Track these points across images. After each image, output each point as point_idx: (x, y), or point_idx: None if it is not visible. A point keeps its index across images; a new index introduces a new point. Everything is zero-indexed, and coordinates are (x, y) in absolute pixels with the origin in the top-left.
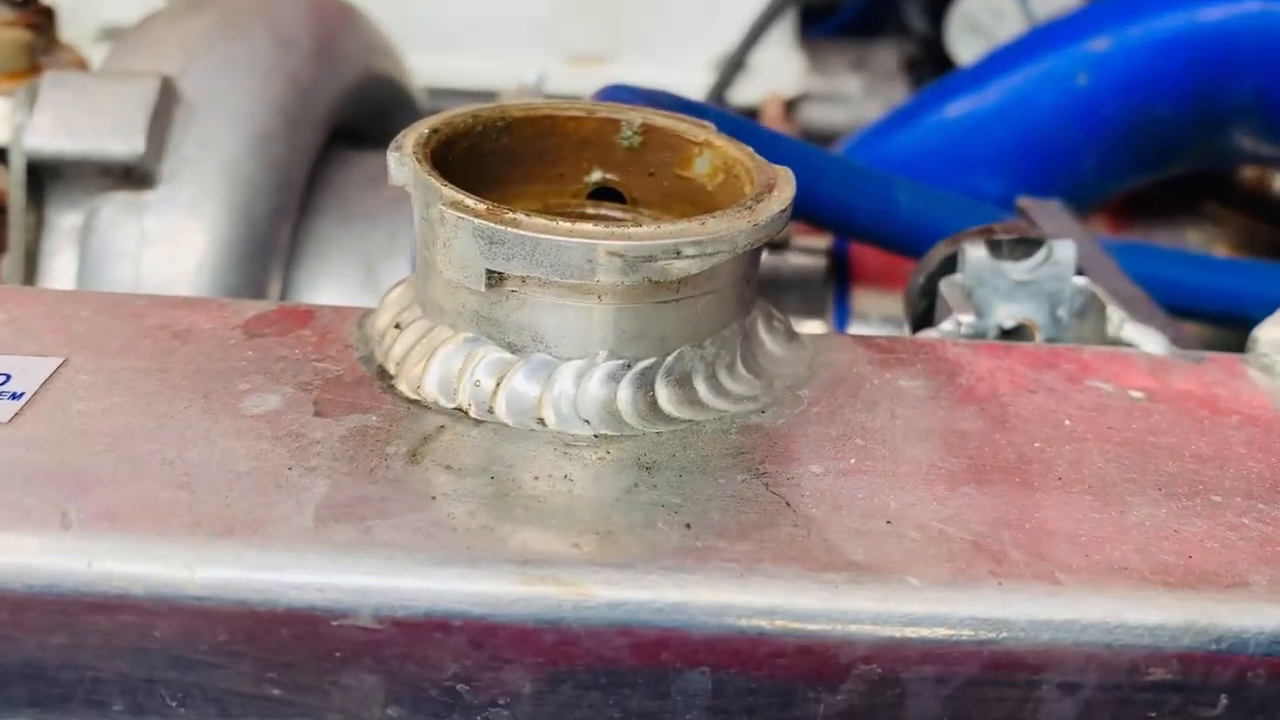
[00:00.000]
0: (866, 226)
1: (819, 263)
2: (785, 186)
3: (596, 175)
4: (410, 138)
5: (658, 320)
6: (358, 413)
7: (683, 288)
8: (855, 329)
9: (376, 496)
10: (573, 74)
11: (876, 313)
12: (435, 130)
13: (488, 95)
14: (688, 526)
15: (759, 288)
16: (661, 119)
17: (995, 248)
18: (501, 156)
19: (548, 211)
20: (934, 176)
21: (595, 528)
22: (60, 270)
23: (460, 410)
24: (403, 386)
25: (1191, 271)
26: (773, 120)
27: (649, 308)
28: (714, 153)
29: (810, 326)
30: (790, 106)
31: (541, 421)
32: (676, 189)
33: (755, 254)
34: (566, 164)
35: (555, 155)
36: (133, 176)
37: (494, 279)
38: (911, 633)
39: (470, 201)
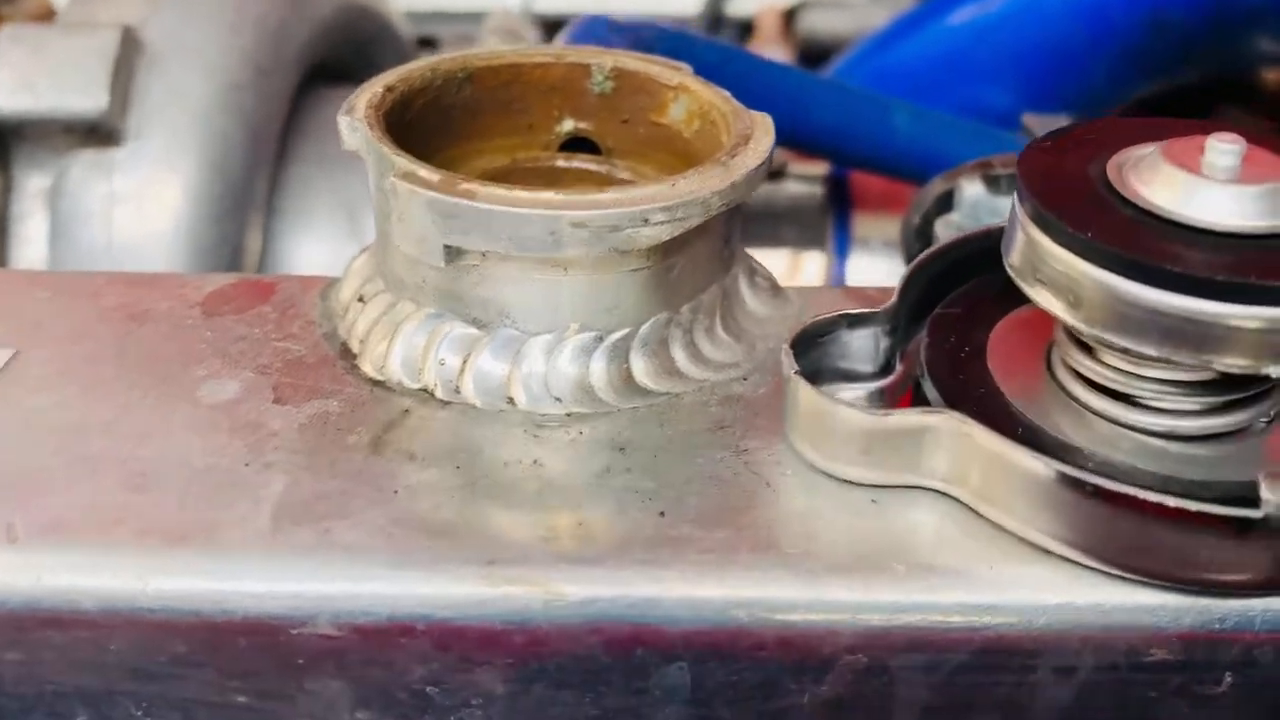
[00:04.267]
0: (864, 153)
1: (817, 190)
2: (763, 137)
3: (568, 125)
4: (363, 98)
5: (630, 289)
6: (318, 398)
7: (654, 254)
8: (856, 256)
9: (336, 492)
10: None
11: (879, 237)
12: (390, 88)
13: (476, 18)
14: (662, 514)
15: (747, 230)
16: (633, 62)
17: (992, 183)
18: (465, 110)
19: (515, 166)
20: (940, 88)
21: (565, 518)
22: (32, 233)
23: (426, 391)
24: (366, 367)
25: None
26: (768, 34)
27: (620, 276)
28: (690, 97)
29: (810, 256)
30: (790, 16)
31: (511, 401)
32: (653, 136)
33: (735, 210)
34: (535, 114)
35: (523, 105)
36: (99, 133)
37: (452, 253)
38: (897, 621)
39: (423, 172)
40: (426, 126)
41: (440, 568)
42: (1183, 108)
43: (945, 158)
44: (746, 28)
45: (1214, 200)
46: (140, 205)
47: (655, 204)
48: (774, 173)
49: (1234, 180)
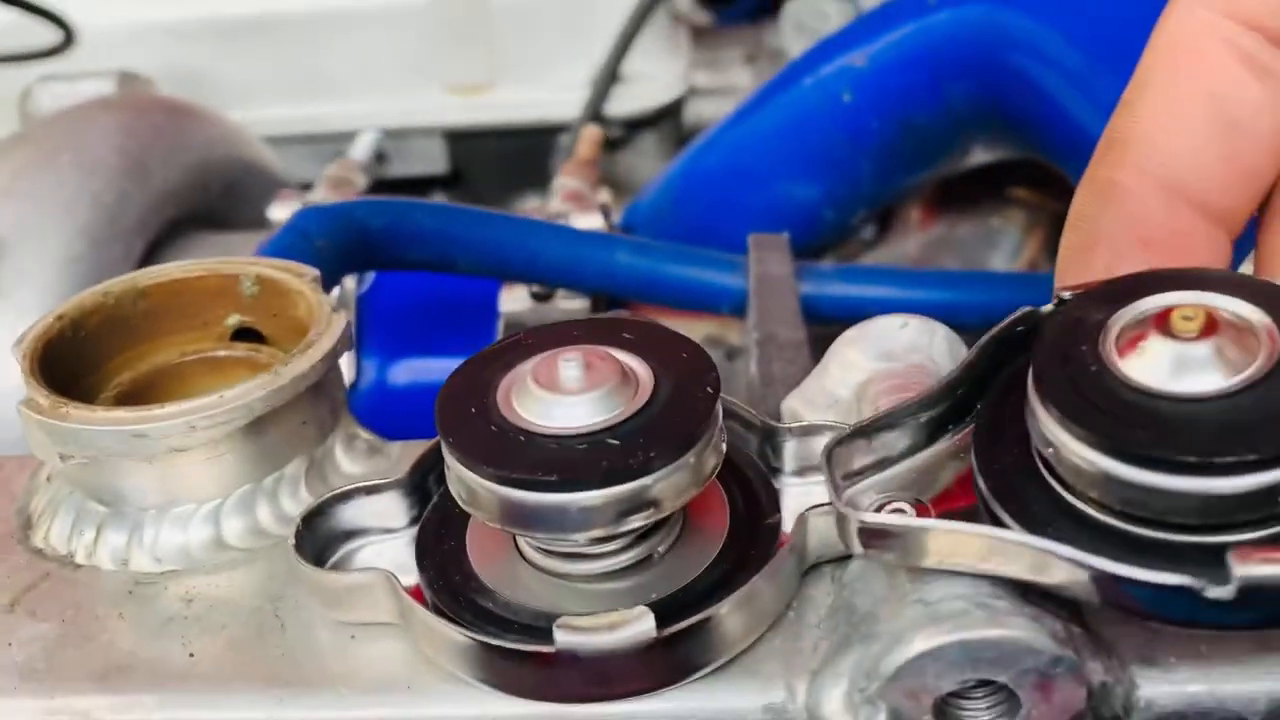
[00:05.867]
0: (595, 286)
1: (584, 303)
2: (325, 340)
3: (234, 319)
4: (36, 329)
5: (214, 468)
6: None
7: (230, 442)
8: None
9: None
10: (459, 104)
11: None
12: (60, 316)
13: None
14: (191, 655)
15: None
16: (271, 270)
17: None
18: (144, 317)
19: (182, 359)
20: (760, 179)
21: (121, 661)
22: None
23: (68, 557)
24: (35, 538)
25: (912, 289)
26: (584, 156)
27: (201, 464)
28: (304, 301)
29: None
30: (677, 106)
31: (126, 563)
32: (294, 326)
33: (314, 396)
34: (205, 314)
35: (195, 308)
36: None
37: (66, 456)
38: None
39: (39, 398)
40: (105, 336)
41: (19, 703)
42: (980, 185)
43: (665, 282)
44: (632, 125)
45: (566, 411)
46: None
47: (203, 413)
48: (544, 296)
49: (579, 390)
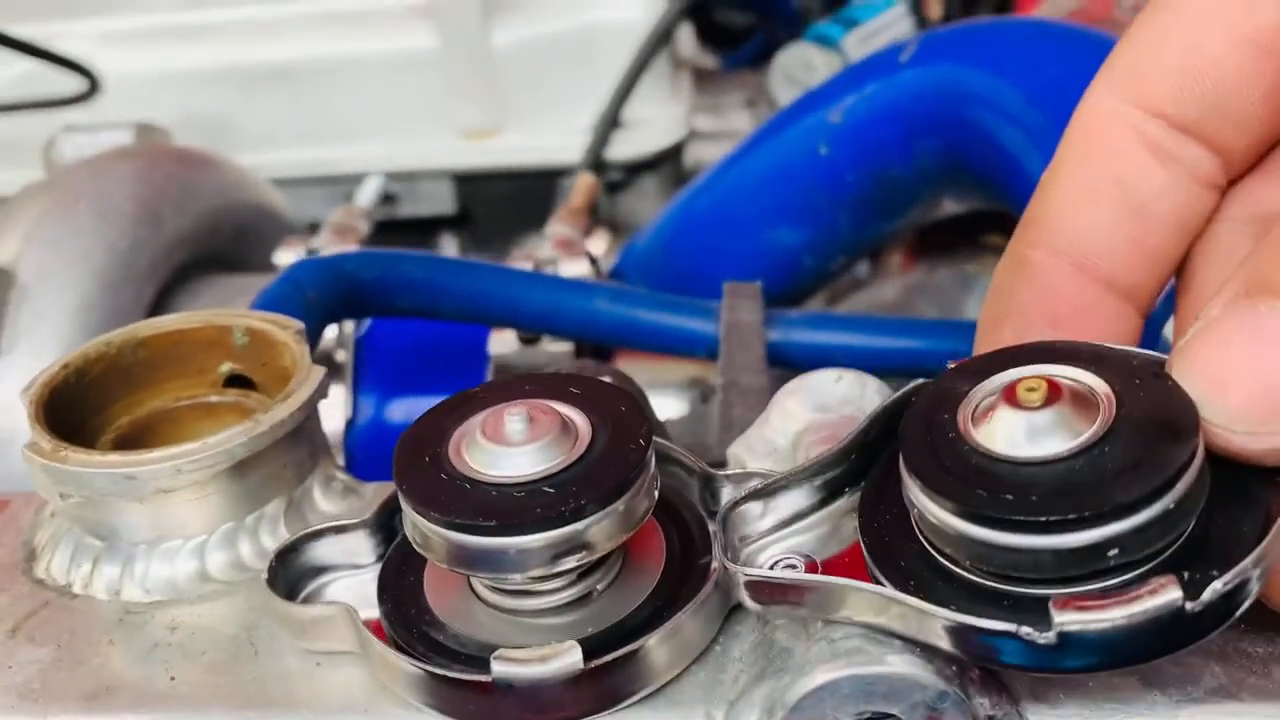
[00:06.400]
0: (574, 332)
1: (568, 347)
2: (304, 390)
3: (226, 367)
4: (43, 377)
5: (201, 507)
6: None
7: (215, 483)
8: None
9: None
10: (468, 148)
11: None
12: (66, 365)
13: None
14: (172, 679)
15: None
16: (260, 323)
17: None
18: (141, 366)
19: (177, 404)
20: (746, 225)
21: (109, 683)
22: None
23: (66, 588)
24: (38, 569)
25: (875, 336)
26: (576, 204)
27: (188, 504)
28: (289, 352)
29: None
30: (678, 150)
31: (118, 594)
32: (281, 374)
33: (293, 441)
34: (200, 362)
35: (189, 357)
36: None
37: (65, 495)
38: None
39: (42, 442)
40: (107, 383)
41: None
42: (957, 233)
43: (642, 329)
44: (632, 169)
45: (509, 461)
46: (8, 411)
47: (187, 458)
48: (530, 340)
49: (522, 442)
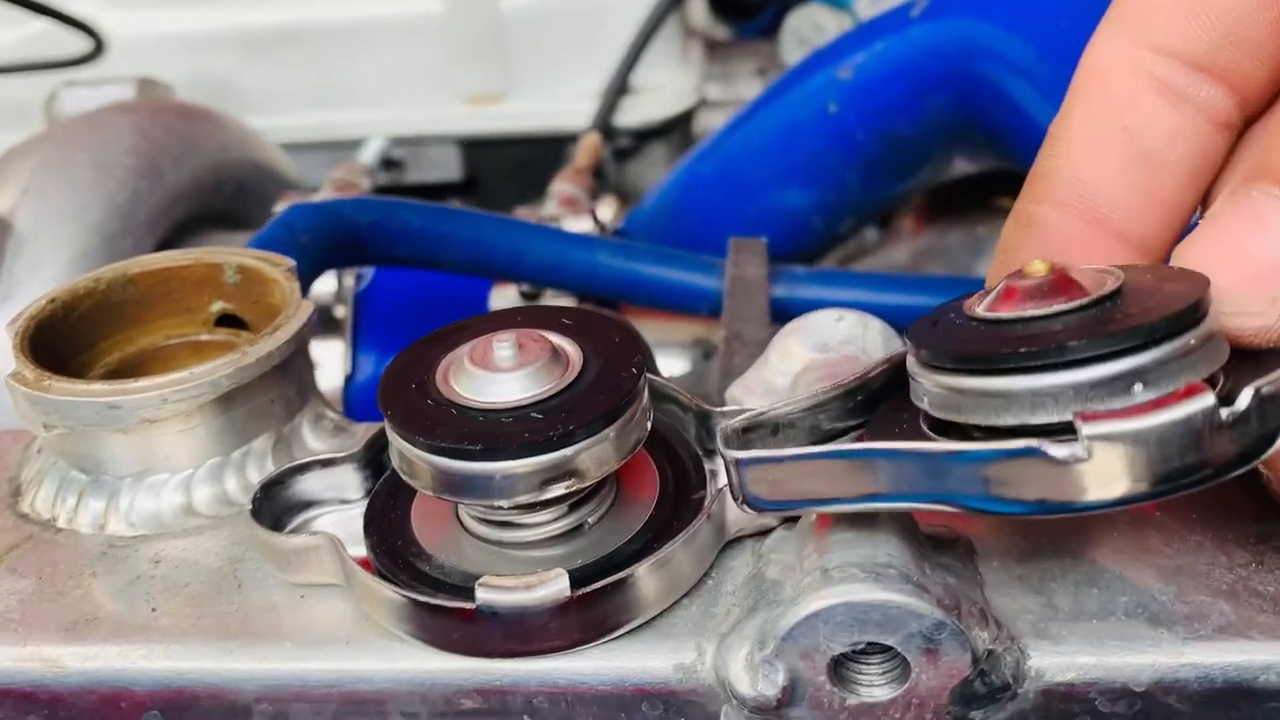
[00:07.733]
0: (577, 285)
1: (571, 302)
2: (292, 324)
3: (217, 306)
4: (29, 310)
5: (187, 440)
6: None
7: (200, 415)
8: None
9: None
10: (475, 114)
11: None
12: (53, 299)
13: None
14: (154, 610)
15: None
16: (252, 260)
17: None
18: (132, 304)
19: (166, 342)
20: (752, 187)
21: (89, 614)
22: None
23: (51, 522)
24: (22, 504)
25: (882, 292)
26: (581, 164)
27: (174, 437)
28: (280, 289)
29: None
30: (687, 117)
31: (103, 527)
32: (271, 312)
33: (282, 375)
34: (190, 300)
35: (179, 295)
36: None
37: (49, 426)
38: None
39: (26, 372)
40: (95, 319)
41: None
42: (968, 195)
43: (642, 282)
44: (641, 135)
45: (497, 388)
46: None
47: (174, 387)
48: (532, 295)
49: (510, 368)
